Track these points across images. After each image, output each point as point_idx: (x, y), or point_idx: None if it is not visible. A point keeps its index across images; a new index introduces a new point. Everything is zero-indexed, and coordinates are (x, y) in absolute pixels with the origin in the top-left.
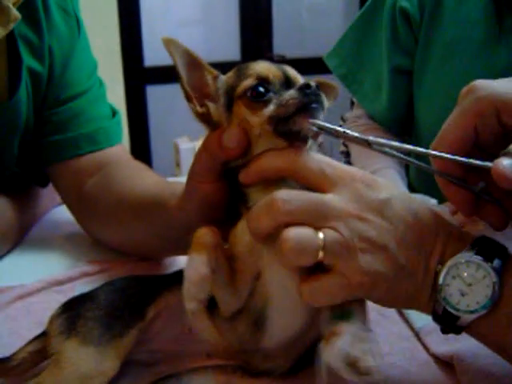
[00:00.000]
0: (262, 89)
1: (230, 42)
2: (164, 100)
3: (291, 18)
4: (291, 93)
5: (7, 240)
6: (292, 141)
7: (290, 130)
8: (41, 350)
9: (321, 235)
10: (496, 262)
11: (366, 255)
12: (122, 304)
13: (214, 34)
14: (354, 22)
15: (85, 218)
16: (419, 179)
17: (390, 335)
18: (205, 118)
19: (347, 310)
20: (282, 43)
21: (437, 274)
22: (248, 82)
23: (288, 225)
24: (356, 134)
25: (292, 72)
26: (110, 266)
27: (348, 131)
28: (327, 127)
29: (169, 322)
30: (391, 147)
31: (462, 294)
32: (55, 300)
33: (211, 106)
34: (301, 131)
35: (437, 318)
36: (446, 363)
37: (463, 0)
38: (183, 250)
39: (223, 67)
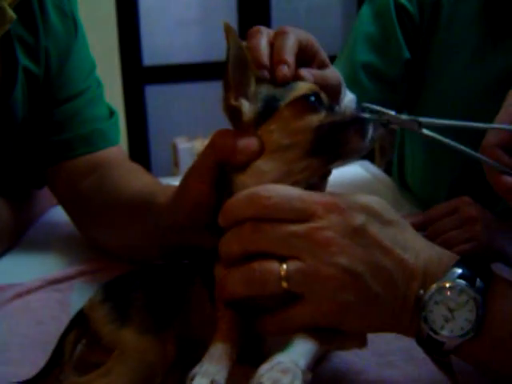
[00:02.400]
0: (314, 99)
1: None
2: (162, 100)
3: (289, 18)
4: (348, 108)
5: (2, 241)
6: (325, 159)
7: (334, 142)
8: (80, 337)
9: (283, 268)
10: (479, 285)
11: (333, 284)
12: (165, 290)
13: (212, 33)
14: (359, 20)
15: (79, 220)
16: (414, 175)
17: (387, 334)
18: (234, 113)
19: (290, 340)
20: None
21: (418, 299)
22: (301, 92)
23: (255, 252)
24: (406, 117)
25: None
26: (108, 265)
27: (399, 115)
28: (379, 110)
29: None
30: (443, 125)
31: (446, 320)
32: (53, 298)
33: (245, 104)
34: (346, 146)
35: (421, 343)
36: (443, 362)
37: (459, 4)
38: (172, 254)
39: (222, 67)
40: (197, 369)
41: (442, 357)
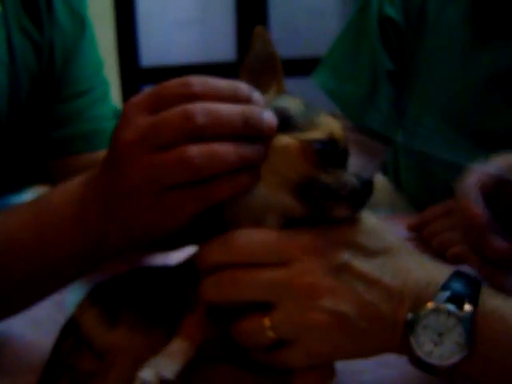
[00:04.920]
0: (326, 149)
1: (226, 42)
2: None
3: (287, 19)
4: (353, 173)
5: None
6: (309, 207)
7: (321, 201)
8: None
9: (266, 320)
10: (467, 307)
11: (320, 328)
12: (157, 290)
13: (211, 34)
14: (339, 35)
15: None
16: (408, 176)
17: None
18: None
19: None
20: (278, 44)
21: (407, 323)
22: (316, 134)
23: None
24: None
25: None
26: (105, 266)
27: None
28: None
29: None
30: None
31: (435, 344)
32: (50, 299)
33: None
34: (330, 212)
35: (414, 364)
36: None
37: (445, 6)
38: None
39: (219, 67)
40: (149, 361)
41: (436, 375)
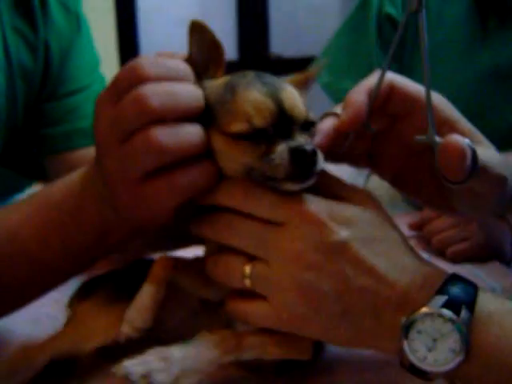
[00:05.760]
0: (250, 131)
1: (227, 41)
2: None
3: (288, 18)
4: (282, 153)
5: None
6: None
7: (270, 184)
8: None
9: (247, 268)
10: (464, 312)
11: (294, 297)
12: (135, 277)
13: None
14: (338, 31)
15: None
16: None
17: None
18: None
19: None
20: (278, 42)
21: (400, 327)
22: (236, 127)
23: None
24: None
25: (289, 103)
26: (105, 264)
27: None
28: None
29: (180, 304)
30: None
31: (429, 350)
32: (50, 297)
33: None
34: (281, 188)
35: (404, 368)
36: None
37: (445, 5)
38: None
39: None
40: (125, 315)
41: (428, 381)
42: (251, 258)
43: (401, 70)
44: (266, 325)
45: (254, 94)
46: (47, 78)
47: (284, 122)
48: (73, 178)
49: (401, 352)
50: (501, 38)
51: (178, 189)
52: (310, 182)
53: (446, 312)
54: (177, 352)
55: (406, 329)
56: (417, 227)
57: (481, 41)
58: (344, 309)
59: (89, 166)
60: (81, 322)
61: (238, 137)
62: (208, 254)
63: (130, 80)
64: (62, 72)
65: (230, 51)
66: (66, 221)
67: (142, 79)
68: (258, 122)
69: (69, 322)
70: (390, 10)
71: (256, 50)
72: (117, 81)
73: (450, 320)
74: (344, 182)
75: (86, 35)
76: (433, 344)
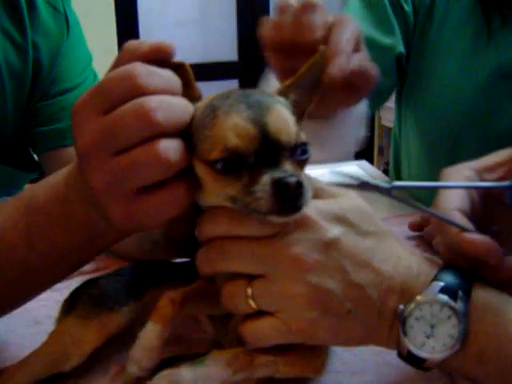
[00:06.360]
0: (231, 162)
1: (227, 42)
2: None
3: None
4: (264, 185)
5: None
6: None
7: (255, 216)
8: None
9: (249, 289)
10: (461, 298)
11: (301, 302)
12: (120, 285)
13: (211, 34)
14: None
15: None
16: (410, 176)
17: None
18: None
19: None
20: None
21: (398, 315)
22: (215, 154)
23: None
24: (376, 182)
25: (275, 127)
26: (105, 265)
27: (369, 180)
28: (352, 175)
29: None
30: (415, 187)
31: (427, 336)
32: (51, 298)
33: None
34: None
35: (402, 358)
36: None
37: (451, 4)
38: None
39: (221, 67)
40: (129, 355)
41: (424, 371)
42: (252, 279)
43: (426, 45)
44: (277, 340)
45: (234, 119)
46: (38, 78)
47: (269, 149)
48: (56, 179)
49: (398, 340)
50: (504, 38)
51: (175, 201)
52: (297, 216)
53: (443, 297)
54: (188, 374)
55: (405, 316)
56: (417, 227)
57: (486, 40)
58: (351, 306)
59: (71, 167)
60: (59, 340)
61: (218, 166)
62: (220, 287)
63: (125, 90)
64: (53, 72)
65: (230, 51)
66: (53, 225)
67: (140, 90)
68: (239, 149)
69: (48, 339)
70: (402, 1)
71: (256, 51)
72: (105, 89)
73: (448, 305)
74: (323, 184)
75: (76, 34)
76: (431, 330)
